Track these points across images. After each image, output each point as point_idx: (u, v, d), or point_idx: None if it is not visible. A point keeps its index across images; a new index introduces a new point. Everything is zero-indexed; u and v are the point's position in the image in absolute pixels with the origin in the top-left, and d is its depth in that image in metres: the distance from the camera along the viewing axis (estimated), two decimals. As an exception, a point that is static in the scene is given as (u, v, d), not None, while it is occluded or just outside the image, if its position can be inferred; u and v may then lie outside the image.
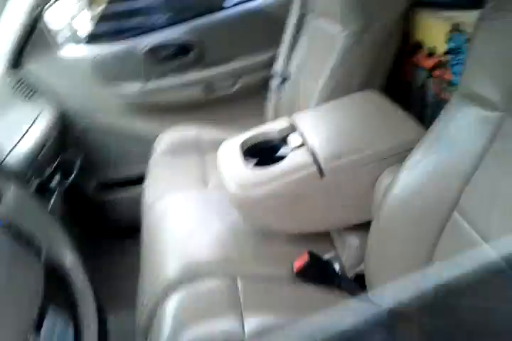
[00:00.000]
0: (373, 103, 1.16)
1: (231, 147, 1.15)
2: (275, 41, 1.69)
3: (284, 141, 1.12)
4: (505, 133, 0.73)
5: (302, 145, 1.05)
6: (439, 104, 1.23)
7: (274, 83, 1.66)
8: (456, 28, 1.08)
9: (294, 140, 1.09)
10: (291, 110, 1.56)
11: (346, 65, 1.25)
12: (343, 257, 1.08)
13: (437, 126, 0.86)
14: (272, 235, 1.09)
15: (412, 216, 0.87)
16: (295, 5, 1.58)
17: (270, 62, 1.71)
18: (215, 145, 1.23)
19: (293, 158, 1.03)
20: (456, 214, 0.79)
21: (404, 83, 1.38)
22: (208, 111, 1.79)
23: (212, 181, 1.35)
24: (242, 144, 1.14)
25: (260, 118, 1.73)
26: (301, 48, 1.54)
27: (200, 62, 1.75)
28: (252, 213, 1.07)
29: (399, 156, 0.97)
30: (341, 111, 1.15)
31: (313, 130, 1.09)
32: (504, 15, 0.74)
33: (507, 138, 0.73)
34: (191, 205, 1.23)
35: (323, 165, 0.98)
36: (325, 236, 1.12)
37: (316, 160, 0.99)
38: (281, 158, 1.05)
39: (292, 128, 1.14)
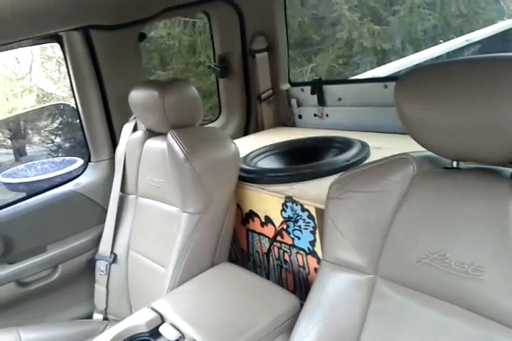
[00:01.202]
0: (234, 276, 1.18)
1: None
2: (94, 223, 1.66)
3: (155, 333, 1.02)
4: (379, 293, 0.82)
5: (181, 337, 0.98)
6: (282, 266, 1.34)
7: (101, 266, 1.57)
8: (289, 200, 1.24)
9: (167, 332, 1.00)
10: (132, 294, 1.48)
11: (194, 244, 1.27)
12: None
13: (314, 293, 0.91)
14: None
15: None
16: (114, 187, 1.60)
17: (92, 245, 1.64)
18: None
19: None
20: None
21: (244, 251, 1.47)
22: (29, 306, 1.56)
23: None
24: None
25: (91, 303, 1.60)
26: (129, 230, 1.53)
27: (6, 256, 1.55)
28: None
29: (282, 327, 0.99)
30: (209, 291, 1.13)
31: (187, 318, 1.03)
32: (350, 195, 0.88)
33: (382, 297, 0.82)
34: None
35: (215, 357, 0.92)
36: None
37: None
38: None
39: (161, 319, 1.05)
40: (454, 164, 0.80)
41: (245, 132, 2.09)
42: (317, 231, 1.18)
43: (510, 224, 0.68)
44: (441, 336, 0.73)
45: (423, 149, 0.81)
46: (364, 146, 1.43)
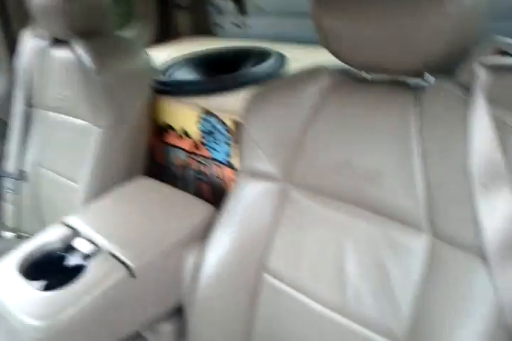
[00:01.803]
0: (150, 189, 1.17)
1: (4, 272, 0.96)
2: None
3: (69, 248, 1.01)
4: (292, 200, 0.86)
5: (96, 250, 0.98)
6: (200, 178, 1.35)
7: (8, 183, 1.50)
8: (205, 112, 1.21)
9: (82, 246, 0.99)
10: (44, 212, 1.43)
11: (107, 158, 1.23)
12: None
13: (230, 203, 0.94)
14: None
15: (226, 291, 0.92)
16: (17, 99, 1.47)
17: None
18: None
19: (95, 267, 0.94)
20: (266, 276, 0.88)
21: (160, 165, 1.45)
22: None
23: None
24: (20, 265, 0.97)
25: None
26: (38, 145, 1.45)
27: None
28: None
29: (198, 235, 1.01)
30: (124, 204, 1.12)
31: (101, 231, 1.02)
32: (266, 107, 0.89)
33: (294, 204, 0.86)
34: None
35: (132, 266, 0.93)
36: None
37: (122, 263, 0.94)
38: (76, 268, 0.95)
39: (75, 233, 1.03)
40: (366, 76, 0.82)
41: (161, 42, 1.96)
42: (234, 143, 1.18)
43: (411, 133, 0.71)
44: (346, 234, 0.78)
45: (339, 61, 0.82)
46: (282, 58, 1.40)
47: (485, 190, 0.62)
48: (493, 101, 0.64)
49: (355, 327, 0.75)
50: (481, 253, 0.63)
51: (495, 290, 0.61)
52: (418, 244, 0.70)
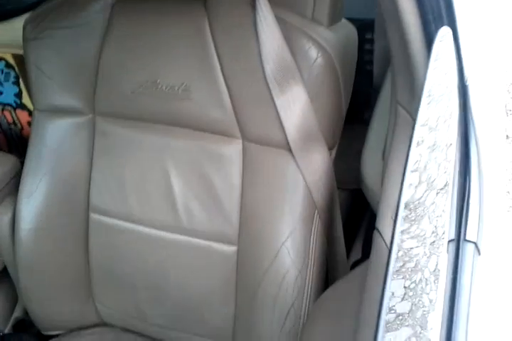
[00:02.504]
0: None
1: None
2: None
3: None
4: (102, 131, 0.82)
5: None
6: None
7: None
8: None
9: None
10: None
11: None
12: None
13: (34, 147, 0.85)
14: None
15: (53, 241, 0.87)
16: None
17: None
18: None
19: None
20: (93, 215, 0.85)
21: None
22: None
23: None
24: None
25: None
26: None
27: None
28: None
29: (6, 190, 0.91)
30: None
31: None
32: (50, 33, 0.79)
33: (105, 135, 0.82)
34: None
35: None
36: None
37: None
38: None
39: None
40: None
41: None
42: (21, 81, 1.05)
43: (208, 42, 0.71)
44: (165, 155, 0.78)
45: None
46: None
47: (280, 88, 0.67)
48: (273, 1, 0.66)
49: (192, 240, 0.78)
50: (287, 147, 0.69)
51: (302, 175, 0.69)
52: (233, 151, 0.74)
